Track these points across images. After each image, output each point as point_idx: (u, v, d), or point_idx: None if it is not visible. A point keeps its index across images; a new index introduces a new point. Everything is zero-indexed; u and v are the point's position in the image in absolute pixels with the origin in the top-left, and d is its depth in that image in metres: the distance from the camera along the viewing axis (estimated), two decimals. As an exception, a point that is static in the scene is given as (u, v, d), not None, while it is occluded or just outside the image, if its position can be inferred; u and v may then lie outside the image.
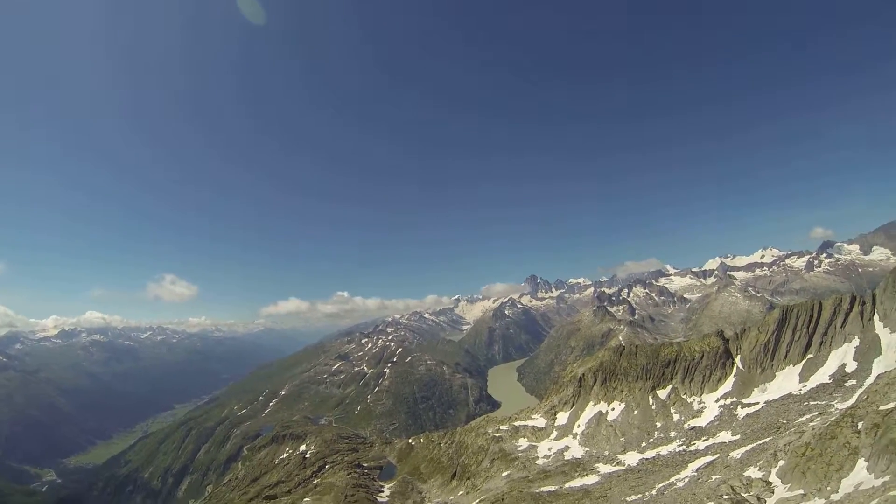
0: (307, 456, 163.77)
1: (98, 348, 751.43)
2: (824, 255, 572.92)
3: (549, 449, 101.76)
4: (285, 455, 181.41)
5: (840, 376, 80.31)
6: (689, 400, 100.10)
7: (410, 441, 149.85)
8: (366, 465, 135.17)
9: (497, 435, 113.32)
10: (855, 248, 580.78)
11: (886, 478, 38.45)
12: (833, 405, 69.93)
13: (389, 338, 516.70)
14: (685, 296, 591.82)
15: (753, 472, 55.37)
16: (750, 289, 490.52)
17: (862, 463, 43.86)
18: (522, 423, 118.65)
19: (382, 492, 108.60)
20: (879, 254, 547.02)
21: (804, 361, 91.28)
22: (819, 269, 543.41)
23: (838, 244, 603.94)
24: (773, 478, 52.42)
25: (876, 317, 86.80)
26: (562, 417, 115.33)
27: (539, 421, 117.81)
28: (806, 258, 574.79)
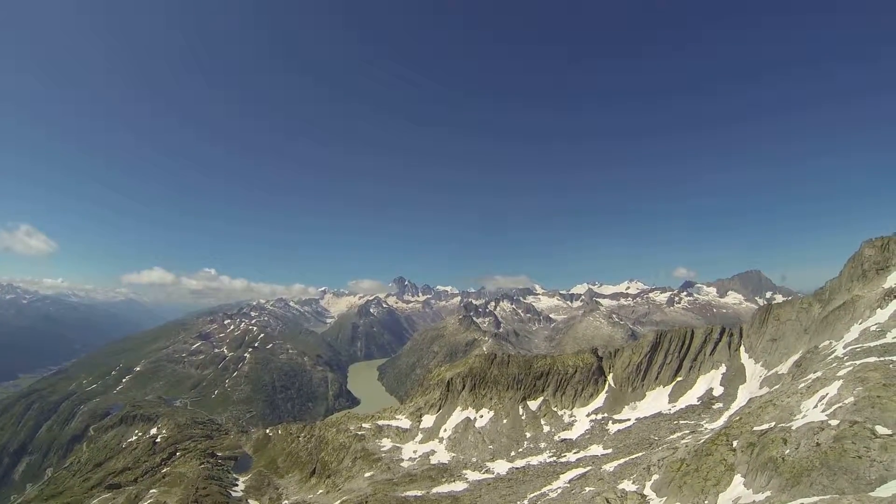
0: (158, 441, 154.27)
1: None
2: (685, 293, 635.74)
3: (415, 451, 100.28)
4: (134, 438, 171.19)
5: (708, 399, 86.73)
6: (560, 413, 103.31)
7: (268, 432, 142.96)
8: (220, 454, 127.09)
9: (360, 433, 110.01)
10: (713, 290, 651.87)
11: (768, 493, 40.44)
12: (702, 425, 74.77)
13: (253, 322, 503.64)
14: (551, 315, 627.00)
15: (627, 486, 56.88)
16: (614, 316, 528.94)
17: (739, 479, 46.19)
18: (386, 422, 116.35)
19: (237, 485, 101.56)
20: (733, 298, 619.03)
21: (674, 384, 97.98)
22: (679, 306, 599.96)
23: (698, 285, 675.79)
24: (647, 491, 54.06)
25: (742, 348, 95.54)
26: (427, 420, 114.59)
27: (403, 422, 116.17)
28: (668, 294, 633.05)
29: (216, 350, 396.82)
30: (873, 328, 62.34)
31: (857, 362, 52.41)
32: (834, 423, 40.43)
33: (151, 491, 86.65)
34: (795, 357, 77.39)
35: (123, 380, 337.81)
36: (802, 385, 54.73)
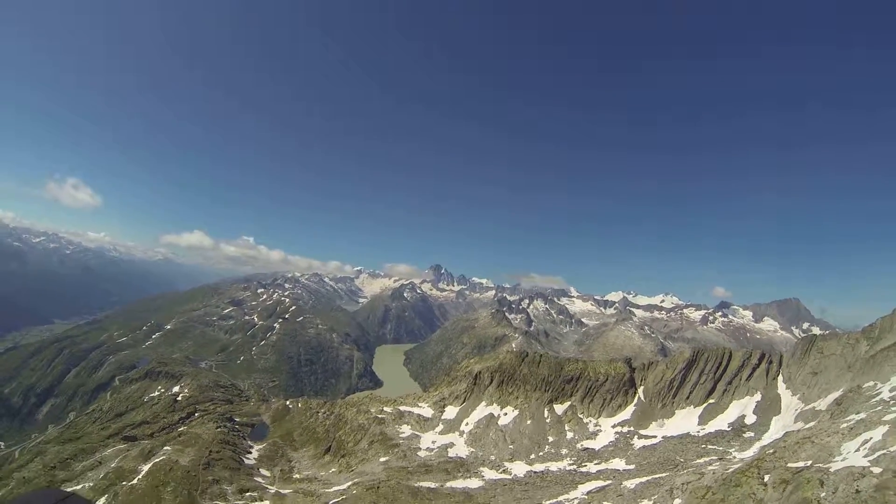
0: (179, 399, 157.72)
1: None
2: (720, 313, 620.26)
3: (433, 442, 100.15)
4: (156, 393, 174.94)
5: (739, 426, 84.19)
6: (585, 420, 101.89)
7: (288, 403, 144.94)
8: (238, 420, 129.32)
9: (380, 416, 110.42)
10: (749, 314, 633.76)
11: (799, 535, 38.94)
12: (731, 453, 72.58)
13: (286, 293, 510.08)
14: (583, 320, 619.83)
15: (647, 506, 55.51)
16: (646, 328, 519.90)
17: (768, 516, 44.61)
18: (408, 408, 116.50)
19: (250, 453, 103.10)
20: (769, 325, 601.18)
21: (706, 405, 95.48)
22: (712, 326, 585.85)
23: (734, 307, 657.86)
24: (668, 514, 52.70)
25: (780, 377, 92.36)
26: (450, 412, 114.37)
27: (426, 410, 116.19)
28: (703, 312, 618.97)
29: (247, 317, 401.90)
30: (925, 375, 59.50)
31: (906, 409, 49.96)
32: (876, 470, 38.66)
33: (165, 448, 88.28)
34: (836, 394, 74.47)
35: (153, 336, 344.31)
36: (844, 425, 52.53)
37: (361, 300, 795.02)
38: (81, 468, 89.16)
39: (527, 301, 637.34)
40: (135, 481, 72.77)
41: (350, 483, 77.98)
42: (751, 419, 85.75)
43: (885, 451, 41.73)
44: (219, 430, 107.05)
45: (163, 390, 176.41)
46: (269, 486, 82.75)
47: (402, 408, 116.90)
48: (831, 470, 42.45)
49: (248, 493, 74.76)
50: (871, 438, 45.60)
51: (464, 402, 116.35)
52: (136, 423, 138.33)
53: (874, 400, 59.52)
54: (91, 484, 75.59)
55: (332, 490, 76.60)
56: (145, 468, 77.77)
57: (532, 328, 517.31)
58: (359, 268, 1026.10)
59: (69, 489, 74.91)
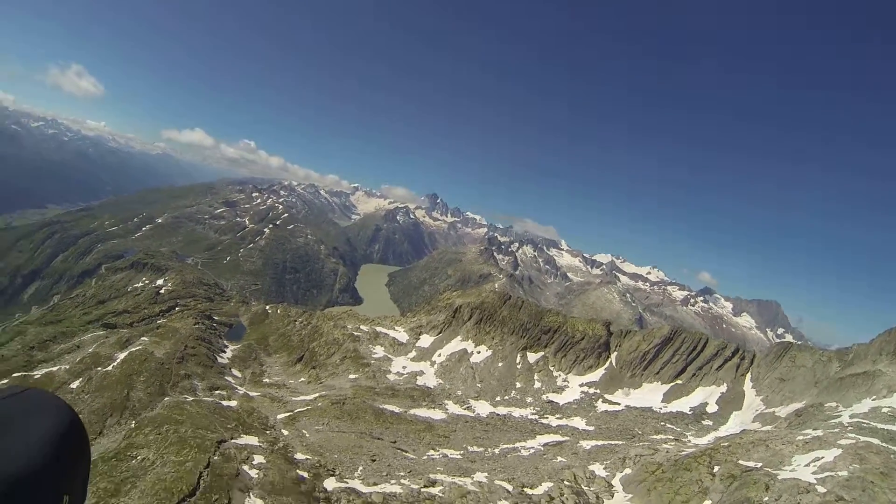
0: (161, 292, 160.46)
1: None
2: (701, 298, 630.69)
3: (404, 367, 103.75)
4: (140, 284, 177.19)
5: (700, 412, 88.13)
6: (555, 374, 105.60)
7: (267, 308, 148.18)
8: (217, 318, 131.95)
9: (356, 333, 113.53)
10: (728, 305, 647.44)
11: (734, 530, 41.90)
12: (687, 436, 76.38)
13: (280, 200, 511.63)
14: (569, 274, 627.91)
15: (598, 469, 58.71)
16: (628, 295, 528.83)
17: (708, 504, 47.74)
18: (384, 330, 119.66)
19: (225, 352, 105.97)
20: (746, 321, 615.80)
21: (672, 384, 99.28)
22: (692, 308, 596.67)
23: (717, 295, 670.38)
24: (616, 482, 55.96)
25: (749, 375, 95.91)
26: (425, 340, 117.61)
27: (401, 335, 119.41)
28: (685, 293, 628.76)
29: (238, 219, 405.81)
30: (886, 410, 62.07)
31: (861, 438, 52.41)
32: (822, 490, 41.08)
33: (143, 338, 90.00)
34: (798, 405, 77.84)
35: (143, 228, 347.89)
36: (800, 438, 55.25)
37: (354, 217, 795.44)
38: (59, 350, 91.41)
39: (517, 245, 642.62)
40: (109, 368, 74.85)
41: (317, 395, 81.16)
42: (712, 408, 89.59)
43: (833, 474, 44.00)
44: (197, 326, 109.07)
45: (147, 282, 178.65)
46: (239, 387, 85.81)
47: (378, 328, 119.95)
48: (779, 477, 45.04)
49: (217, 392, 77.57)
50: (822, 458, 48.01)
51: (440, 333, 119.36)
52: (118, 311, 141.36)
53: (833, 421, 62.28)
54: (67, 366, 77.84)
55: (298, 399, 79.84)
56: (121, 356, 79.70)
57: (517, 272, 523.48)
58: (356, 184, 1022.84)
59: (45, 370, 77.47)
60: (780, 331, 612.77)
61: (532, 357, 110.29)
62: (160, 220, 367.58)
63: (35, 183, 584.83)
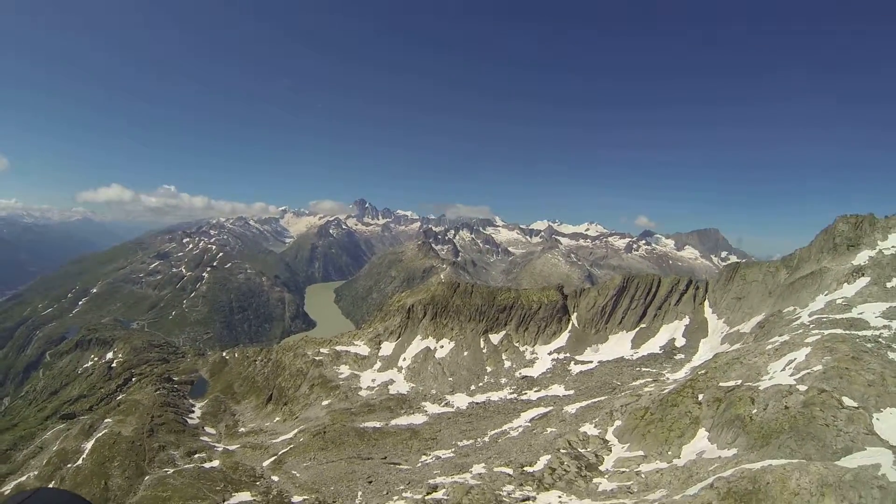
0: (113, 366, 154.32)
1: None
2: (643, 241, 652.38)
3: (373, 380, 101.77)
4: (90, 363, 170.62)
5: (670, 349, 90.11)
6: (522, 349, 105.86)
7: (224, 355, 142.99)
8: (176, 378, 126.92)
9: (317, 358, 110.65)
10: (671, 242, 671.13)
11: (735, 450, 42.36)
12: (664, 374, 77.73)
13: (212, 240, 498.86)
14: (510, 249, 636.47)
15: (589, 429, 58.78)
16: (573, 255, 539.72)
17: (703, 433, 48.23)
18: (344, 348, 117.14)
19: (193, 412, 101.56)
20: (690, 252, 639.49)
21: (637, 330, 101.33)
22: (636, 253, 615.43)
23: (657, 235, 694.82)
24: (609, 436, 56.09)
25: (707, 303, 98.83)
26: (387, 348, 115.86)
27: (362, 349, 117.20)
28: (627, 240, 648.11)
29: (174, 270, 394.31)
30: (839, 301, 64.60)
31: (825, 332, 54.21)
32: (802, 388, 42.07)
33: (106, 420, 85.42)
34: (759, 318, 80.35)
35: (80, 302, 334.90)
36: (769, 347, 56.68)
37: (288, 240, 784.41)
38: (23, 457, 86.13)
39: (452, 232, 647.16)
40: (79, 461, 70.61)
41: (296, 431, 78.65)
42: (680, 342, 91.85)
43: (808, 371, 45.19)
44: (158, 392, 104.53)
45: (96, 359, 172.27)
46: (217, 444, 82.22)
47: (338, 347, 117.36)
48: (760, 388, 45.96)
49: (196, 455, 73.97)
50: (795, 359, 49.29)
51: (399, 337, 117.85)
52: (73, 398, 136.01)
53: (795, 324, 64.38)
54: (35, 472, 73.30)
55: (279, 440, 77.11)
56: (88, 445, 75.30)
57: (459, 258, 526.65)
58: (283, 207, 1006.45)
59: (13, 482, 71.99)
60: (724, 254, 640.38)
61: (495, 338, 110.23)
62: (95, 290, 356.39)
63: None
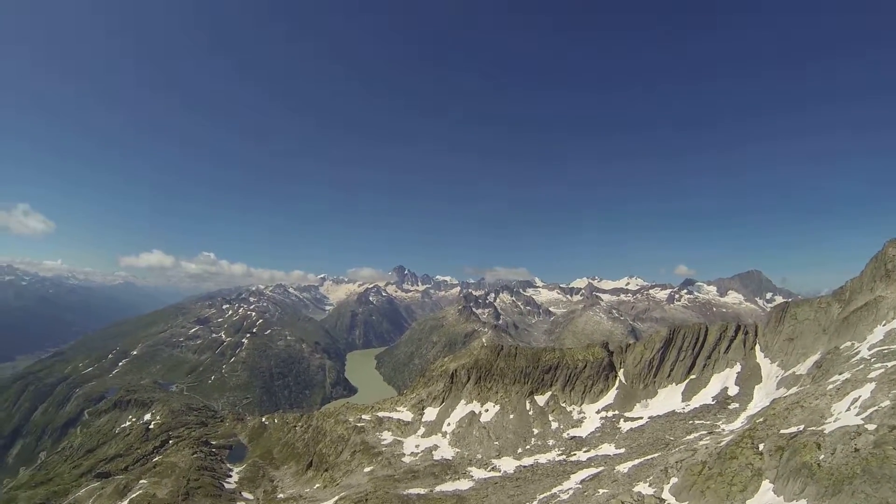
0: (151, 427, 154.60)
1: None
2: (685, 291, 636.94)
3: (417, 446, 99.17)
4: (128, 424, 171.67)
5: (723, 398, 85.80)
6: (568, 409, 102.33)
7: (264, 420, 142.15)
8: (214, 442, 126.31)
9: (359, 425, 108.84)
10: (713, 289, 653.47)
11: (804, 500, 39.29)
12: (719, 426, 73.74)
13: (252, 307, 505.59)
14: (551, 309, 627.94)
15: (644, 488, 55.53)
16: (614, 311, 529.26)
17: (767, 485, 44.96)
18: (386, 414, 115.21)
19: (230, 476, 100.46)
20: (734, 297, 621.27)
21: (687, 381, 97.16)
22: (679, 303, 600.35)
23: (699, 283, 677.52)
24: (666, 495, 52.78)
25: (758, 347, 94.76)
26: (430, 413, 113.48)
27: (405, 414, 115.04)
28: (668, 291, 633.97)
29: (214, 335, 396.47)
30: (899, 330, 61.25)
31: (889, 365, 51.10)
32: (871, 427, 39.24)
33: (141, 481, 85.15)
34: (815, 357, 76.39)
35: (120, 363, 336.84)
36: (830, 387, 53.47)
37: (328, 307, 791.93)
38: None
39: (493, 295, 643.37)
40: None
41: (336, 498, 76.43)
42: (734, 390, 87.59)
43: (876, 408, 42.45)
44: (195, 456, 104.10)
45: (134, 419, 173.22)
46: None
47: (380, 414, 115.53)
48: (826, 432, 43.02)
49: None
50: (860, 396, 46.39)
51: (442, 402, 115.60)
52: (109, 457, 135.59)
53: (854, 359, 60.93)
54: None
55: (319, 508, 75.06)
56: None
57: (500, 321, 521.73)
58: (322, 275, 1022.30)
59: None
60: (769, 295, 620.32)
61: (541, 399, 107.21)
62: (135, 352, 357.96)
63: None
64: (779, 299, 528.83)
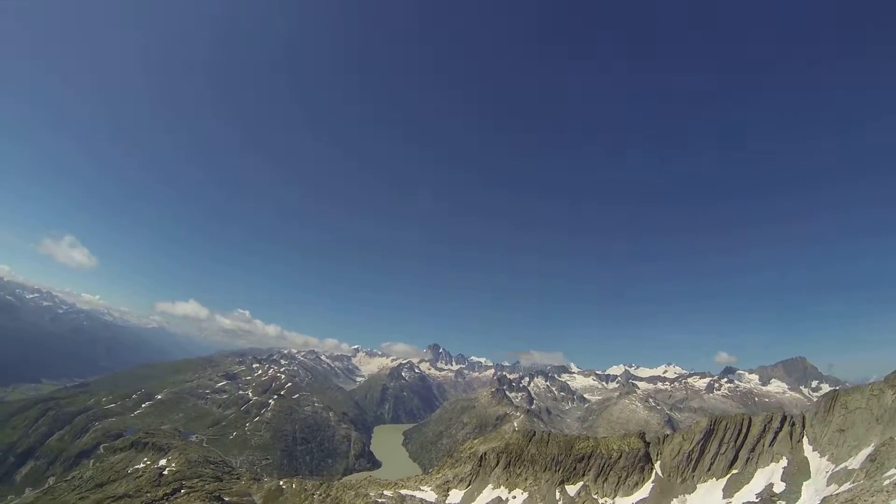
0: (165, 473, 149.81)
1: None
2: (725, 379, 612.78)
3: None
4: (142, 465, 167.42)
5: (768, 496, 79.97)
6: (601, 501, 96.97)
7: (281, 483, 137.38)
8: (227, 499, 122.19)
9: (380, 500, 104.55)
10: (755, 377, 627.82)
11: None
12: (765, 525, 68.41)
13: (282, 369, 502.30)
14: (585, 395, 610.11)
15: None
16: (651, 400, 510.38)
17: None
18: (409, 492, 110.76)
19: None
20: (777, 386, 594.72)
21: (729, 476, 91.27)
22: (718, 393, 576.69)
23: (739, 371, 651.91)
24: None
25: (805, 439, 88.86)
26: (455, 495, 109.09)
27: (428, 494, 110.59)
28: (707, 380, 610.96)
29: (241, 392, 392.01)
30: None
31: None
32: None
33: None
34: (868, 450, 71.31)
35: (143, 405, 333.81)
36: (887, 482, 49.53)
37: (359, 379, 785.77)
38: None
39: (527, 379, 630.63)
40: None
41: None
42: (779, 487, 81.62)
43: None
44: None
45: (148, 462, 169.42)
46: None
47: (403, 491, 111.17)
48: (885, 533, 39.41)
49: None
50: (921, 494, 42.64)
51: (469, 485, 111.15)
52: (118, 495, 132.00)
53: (913, 453, 56.63)
54: None
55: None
56: None
57: (533, 406, 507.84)
58: (356, 346, 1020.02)
59: None
60: (815, 383, 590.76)
61: (572, 490, 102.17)
62: (160, 396, 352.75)
63: (30, 356, 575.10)
64: (825, 387, 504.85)
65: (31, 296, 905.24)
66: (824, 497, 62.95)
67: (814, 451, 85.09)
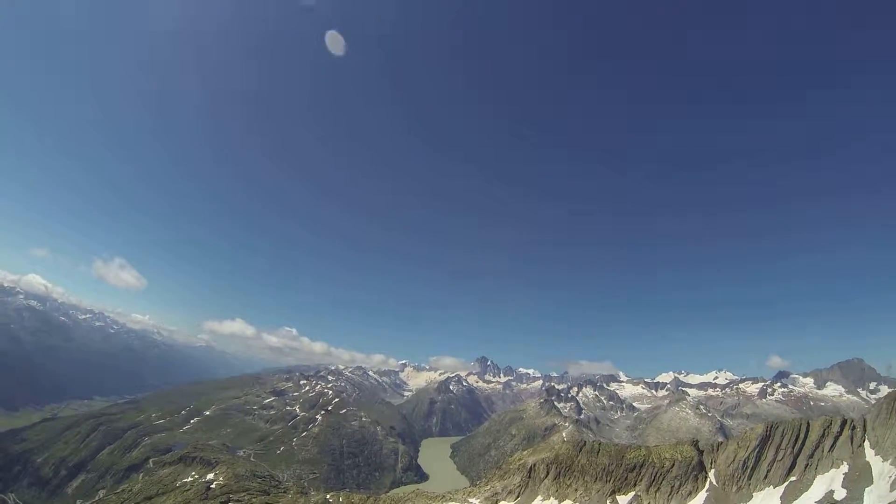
0: (212, 486, 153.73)
1: (31, 315, 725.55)
2: (779, 384, 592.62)
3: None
4: (190, 479, 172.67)
5: (828, 503, 77.13)
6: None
7: (328, 497, 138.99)
8: None
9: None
10: (810, 381, 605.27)
11: None
12: (827, 535, 66.14)
13: (329, 385, 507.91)
14: (634, 404, 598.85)
15: None
16: (701, 407, 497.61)
17: None
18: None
19: None
20: (833, 390, 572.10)
21: (787, 484, 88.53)
22: (772, 398, 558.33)
23: (794, 375, 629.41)
24: None
25: (867, 443, 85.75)
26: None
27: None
28: (760, 385, 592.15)
29: (288, 408, 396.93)
30: None
31: None
32: None
33: None
34: (935, 456, 68.35)
35: (191, 421, 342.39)
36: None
37: (406, 393, 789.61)
38: None
39: (575, 389, 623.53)
40: None
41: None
42: (840, 494, 78.79)
43: None
44: None
45: (196, 476, 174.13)
46: None
47: (450, 503, 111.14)
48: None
49: None
50: None
51: (518, 496, 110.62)
52: None
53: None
54: None
55: None
56: None
57: (582, 416, 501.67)
58: (403, 361, 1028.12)
59: None
60: (873, 385, 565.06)
61: (623, 500, 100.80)
62: (208, 413, 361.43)
63: (82, 375, 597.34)
64: (884, 389, 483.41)
65: (84, 316, 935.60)
66: (889, 503, 60.53)
67: (876, 455, 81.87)
